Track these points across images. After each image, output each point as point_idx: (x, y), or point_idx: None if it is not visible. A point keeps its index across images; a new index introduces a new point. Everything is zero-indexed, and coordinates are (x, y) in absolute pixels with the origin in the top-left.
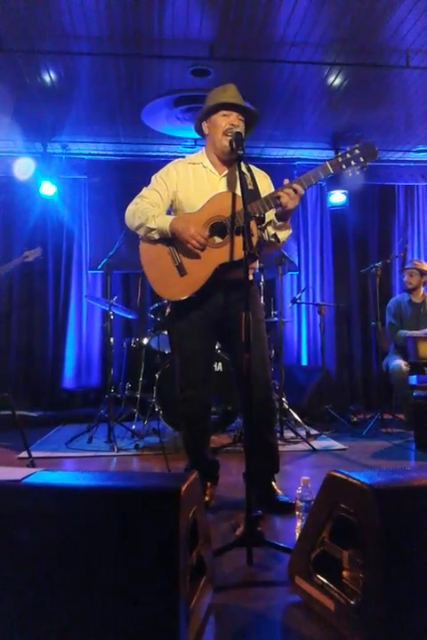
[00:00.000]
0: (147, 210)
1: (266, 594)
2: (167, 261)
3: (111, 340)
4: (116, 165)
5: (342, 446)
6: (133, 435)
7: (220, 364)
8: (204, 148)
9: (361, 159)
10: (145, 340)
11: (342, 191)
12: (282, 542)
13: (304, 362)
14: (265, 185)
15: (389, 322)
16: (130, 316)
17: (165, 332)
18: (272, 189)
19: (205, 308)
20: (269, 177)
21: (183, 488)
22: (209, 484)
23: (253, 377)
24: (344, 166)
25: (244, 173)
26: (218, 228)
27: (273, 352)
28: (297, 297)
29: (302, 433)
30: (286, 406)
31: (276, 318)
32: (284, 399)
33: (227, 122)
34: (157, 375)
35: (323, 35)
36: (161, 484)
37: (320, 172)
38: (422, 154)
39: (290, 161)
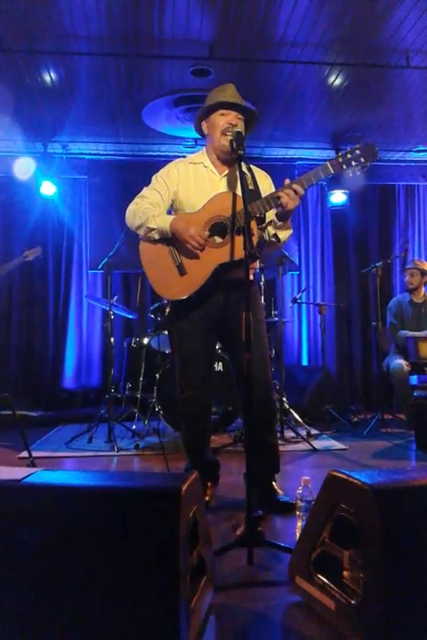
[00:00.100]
0: (147, 210)
1: (266, 594)
2: (167, 261)
3: (111, 339)
4: (116, 165)
5: (343, 446)
6: (134, 435)
7: (220, 363)
8: (204, 148)
9: (362, 159)
10: (145, 340)
11: (343, 191)
12: (282, 542)
13: (305, 362)
14: (266, 185)
15: (390, 322)
16: (130, 316)
17: (166, 332)
18: (273, 189)
19: (205, 307)
20: (269, 177)
21: (184, 488)
22: (209, 484)
23: (253, 377)
24: (345, 166)
25: (244, 173)
26: (218, 228)
27: (274, 352)
28: (298, 297)
29: (303, 433)
30: (287, 406)
31: (276, 318)
32: (284, 399)
33: (226, 121)
34: (157, 375)
35: (323, 35)
36: (161, 484)
37: (321, 172)
38: (422, 154)
39: (290, 161)
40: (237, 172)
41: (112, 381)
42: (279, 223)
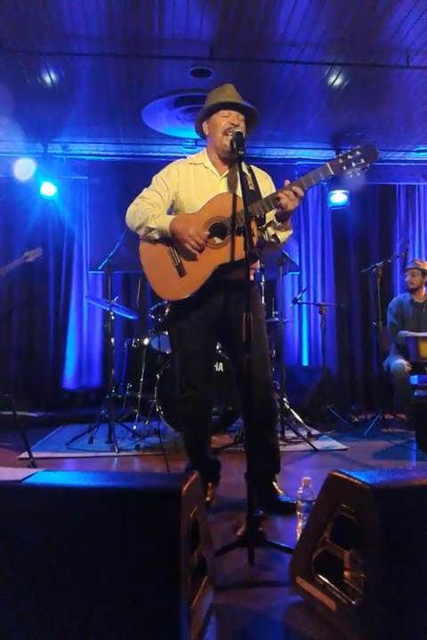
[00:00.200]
0: (147, 210)
1: (267, 594)
2: (167, 262)
3: (112, 340)
4: (116, 166)
5: (344, 446)
6: (134, 435)
7: (220, 364)
8: (205, 149)
9: (362, 160)
10: (146, 341)
11: (343, 191)
12: (283, 542)
13: (305, 362)
14: (266, 185)
15: (390, 322)
16: (131, 317)
17: (166, 333)
18: (273, 190)
19: (205, 308)
20: (270, 177)
21: (184, 488)
22: (210, 484)
23: (253, 377)
24: (345, 167)
25: (245, 174)
26: (218, 229)
27: (274, 352)
28: (298, 297)
29: (304, 433)
30: (288, 406)
31: (277, 318)
32: (285, 399)
33: (226, 121)
34: (157, 375)
35: (323, 35)
36: (162, 485)
37: (321, 173)
38: (422, 154)
39: (291, 161)
40: (238, 173)
41: (113, 382)
42: (278, 224)
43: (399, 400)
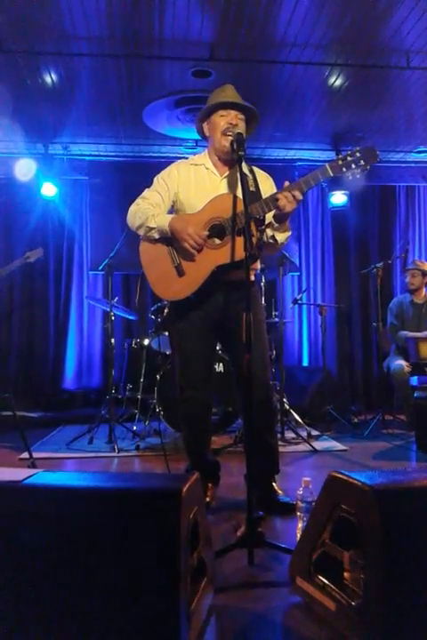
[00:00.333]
0: (147, 210)
1: (267, 595)
2: (166, 262)
3: (112, 340)
4: (116, 166)
5: (343, 447)
6: (134, 435)
7: (220, 364)
8: (206, 150)
9: (362, 162)
10: (146, 341)
11: (343, 192)
12: (283, 543)
13: (305, 362)
14: (267, 186)
15: (390, 322)
16: (131, 317)
17: (166, 333)
18: (274, 191)
19: (204, 308)
20: (271, 178)
21: (184, 489)
22: (210, 484)
23: (252, 378)
24: (344, 169)
25: (246, 174)
26: (217, 230)
27: (274, 353)
28: (298, 298)
29: (303, 434)
30: (287, 407)
31: (277, 319)
32: (285, 400)
33: (225, 121)
34: (157, 376)
35: (323, 35)
36: (162, 485)
37: (320, 175)
38: (422, 154)
39: (291, 162)
40: (238, 174)
41: (113, 382)
42: (276, 225)
43: (399, 401)
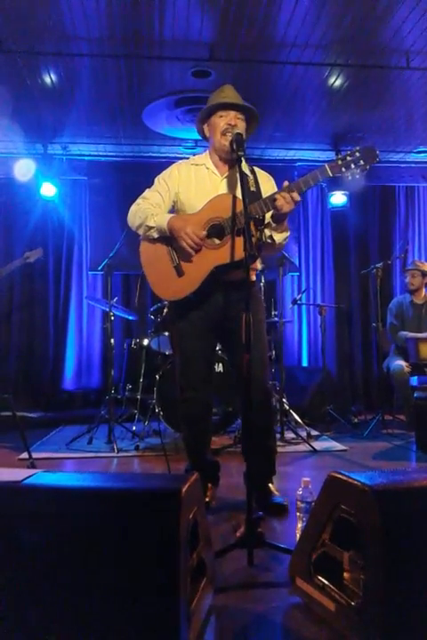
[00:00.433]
0: (147, 209)
1: (267, 595)
2: (166, 262)
3: (112, 341)
4: (116, 166)
5: (343, 447)
6: (134, 436)
7: (220, 364)
8: (208, 150)
9: (361, 162)
10: (145, 341)
11: (343, 192)
12: (283, 543)
13: (305, 363)
14: (268, 187)
15: (390, 322)
16: (130, 317)
17: (166, 334)
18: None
19: (204, 308)
20: (272, 179)
21: (184, 489)
22: (210, 485)
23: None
24: (344, 169)
25: (247, 175)
26: (216, 229)
27: (274, 353)
28: (298, 298)
29: (303, 434)
30: (287, 407)
31: (276, 319)
32: (284, 400)
33: (224, 122)
34: (157, 376)
35: (323, 36)
36: (162, 486)
37: (319, 175)
38: (422, 155)
39: (291, 162)
40: (238, 174)
41: (112, 382)
42: (274, 225)
43: (399, 401)
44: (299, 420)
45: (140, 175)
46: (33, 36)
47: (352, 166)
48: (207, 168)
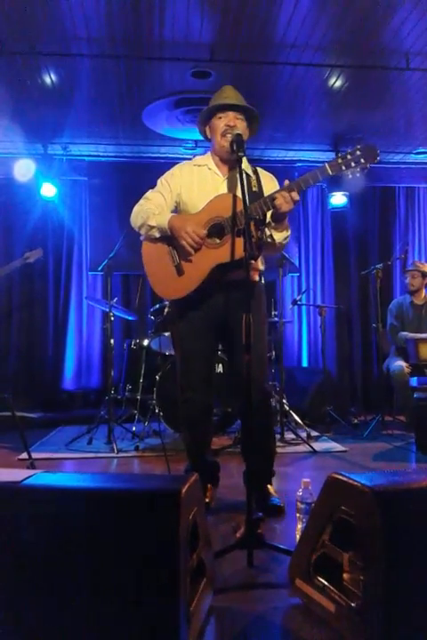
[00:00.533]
0: (149, 209)
1: (266, 596)
2: (167, 261)
3: (111, 341)
4: (116, 167)
5: (343, 448)
6: (134, 436)
7: (220, 365)
8: (210, 151)
9: (362, 160)
10: (145, 342)
11: (343, 193)
12: (282, 544)
13: (305, 363)
14: (271, 187)
15: (390, 323)
16: (130, 318)
17: (166, 334)
18: None
19: (205, 308)
20: (275, 179)
21: (184, 490)
22: (210, 485)
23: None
24: (344, 168)
25: (249, 175)
26: (217, 229)
27: (273, 353)
28: (298, 298)
29: (303, 435)
30: (287, 408)
31: (276, 319)
32: (284, 401)
33: (224, 123)
34: (157, 376)
35: (323, 37)
36: (161, 486)
37: (319, 174)
38: (422, 156)
39: (291, 163)
40: (238, 174)
41: (112, 383)
42: (273, 224)
43: (399, 402)
44: (299, 421)
45: (140, 176)
46: (33, 36)
47: (353, 165)
48: (209, 168)
